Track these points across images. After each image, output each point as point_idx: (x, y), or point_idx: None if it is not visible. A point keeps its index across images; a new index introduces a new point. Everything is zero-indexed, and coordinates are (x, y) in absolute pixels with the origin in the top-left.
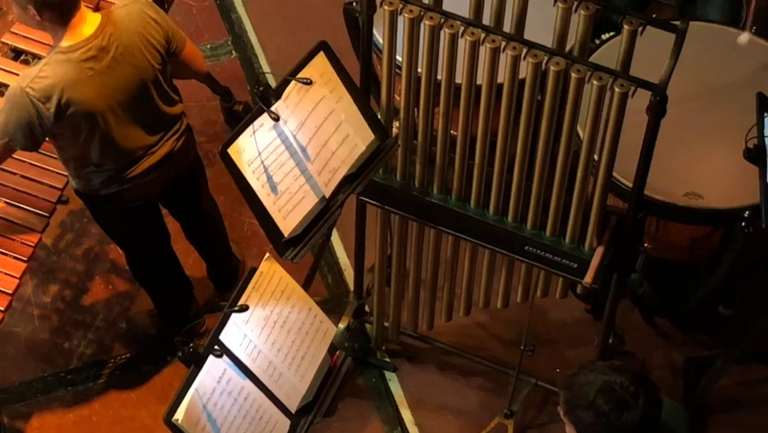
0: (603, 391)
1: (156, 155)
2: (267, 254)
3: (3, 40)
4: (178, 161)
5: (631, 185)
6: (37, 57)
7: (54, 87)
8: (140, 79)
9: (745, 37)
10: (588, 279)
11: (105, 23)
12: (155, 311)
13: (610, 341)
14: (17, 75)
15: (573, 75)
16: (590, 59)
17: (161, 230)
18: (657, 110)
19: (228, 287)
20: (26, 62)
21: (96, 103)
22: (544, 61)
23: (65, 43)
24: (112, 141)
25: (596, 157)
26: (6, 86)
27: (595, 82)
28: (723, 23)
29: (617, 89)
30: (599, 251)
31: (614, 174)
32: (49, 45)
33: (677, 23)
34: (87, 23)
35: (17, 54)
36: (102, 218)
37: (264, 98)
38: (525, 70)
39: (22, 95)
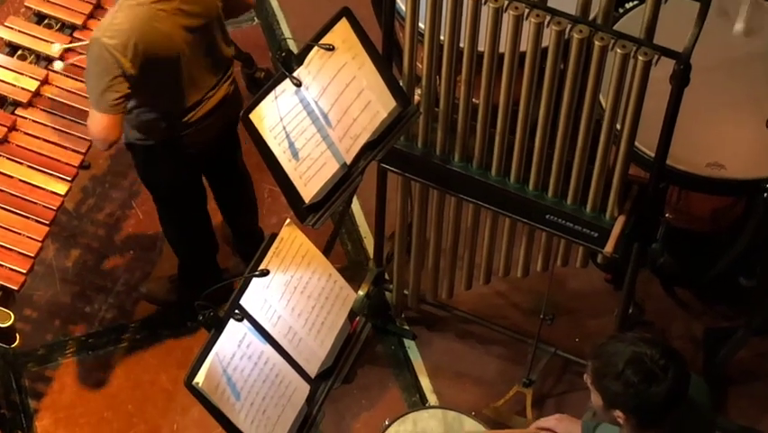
0: (632, 361)
1: (214, 98)
2: (288, 220)
3: (27, 4)
4: (230, 106)
5: (653, 154)
6: (60, 21)
7: (130, 32)
8: (207, 18)
9: None
10: (608, 248)
11: None
12: (175, 276)
13: (630, 311)
14: (41, 39)
15: (597, 43)
16: (616, 28)
17: (202, 187)
18: (681, 79)
19: (252, 254)
20: (49, 26)
21: (169, 44)
22: (568, 29)
23: None
24: (181, 82)
25: (618, 126)
26: (29, 50)
27: (618, 50)
28: None
29: (640, 58)
30: (620, 220)
31: (636, 143)
32: (70, 9)
33: None
34: None
35: (40, 18)
36: (153, 169)
37: (286, 64)
38: (548, 38)
39: (100, 46)
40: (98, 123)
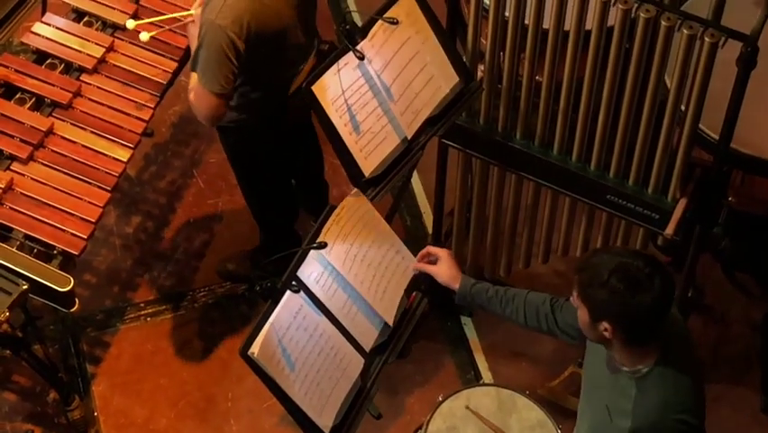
0: (618, 270)
1: (303, 72)
2: (354, 189)
3: (65, 0)
4: None
5: (717, 137)
6: (100, 18)
7: (243, 11)
8: None
9: None
10: (669, 230)
11: None
12: (253, 251)
13: (689, 294)
14: (107, 6)
15: (663, 23)
16: (683, 8)
17: (289, 157)
18: (747, 62)
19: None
20: (89, 24)
21: (278, 21)
22: (634, 8)
23: None
24: (282, 58)
25: (683, 107)
26: (96, 16)
27: (685, 31)
28: None
29: (707, 39)
30: (682, 203)
31: (700, 125)
32: (108, 5)
33: None
34: None
35: (80, 16)
36: (247, 149)
37: (350, 37)
38: (614, 17)
39: (215, 28)
40: (208, 101)
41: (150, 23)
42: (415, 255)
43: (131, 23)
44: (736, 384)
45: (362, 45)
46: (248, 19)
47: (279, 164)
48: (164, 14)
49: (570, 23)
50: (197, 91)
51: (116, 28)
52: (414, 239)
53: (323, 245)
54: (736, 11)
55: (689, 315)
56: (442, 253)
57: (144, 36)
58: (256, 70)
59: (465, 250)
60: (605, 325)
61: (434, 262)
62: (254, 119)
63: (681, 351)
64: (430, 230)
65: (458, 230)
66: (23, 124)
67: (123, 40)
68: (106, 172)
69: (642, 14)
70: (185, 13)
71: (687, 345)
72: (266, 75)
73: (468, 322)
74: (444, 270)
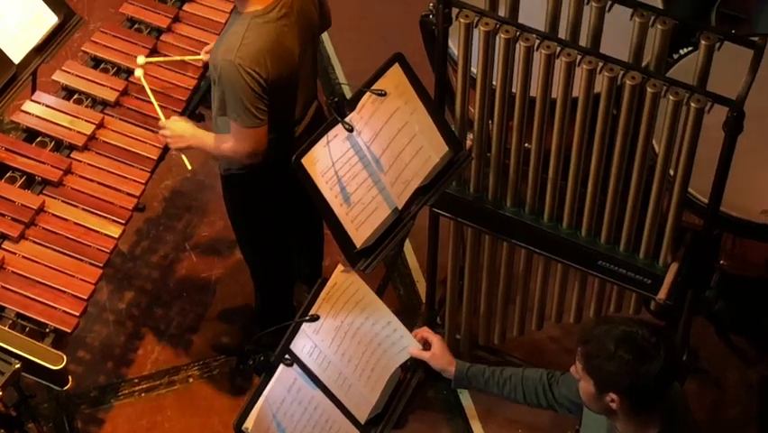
0: (624, 340)
1: (309, 114)
2: (340, 265)
3: (83, 48)
4: (322, 121)
5: (707, 201)
6: (116, 65)
7: (261, 50)
8: (313, 32)
9: None
10: (662, 295)
11: None
12: (247, 324)
13: (684, 358)
14: (97, 83)
15: (649, 89)
16: (669, 74)
17: (290, 214)
18: (734, 126)
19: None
20: (105, 71)
21: (291, 59)
22: (620, 76)
23: (258, 6)
24: (293, 98)
25: (671, 172)
26: (86, 94)
27: (671, 97)
28: None
29: (693, 105)
30: (674, 267)
31: (689, 190)
32: (126, 53)
33: (755, 38)
34: None
35: (97, 63)
36: (253, 197)
37: (339, 109)
38: (600, 84)
39: (236, 68)
40: (248, 138)
41: (158, 64)
42: (408, 327)
43: (141, 60)
44: None
45: (351, 117)
46: (266, 57)
47: (282, 215)
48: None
49: (557, 91)
50: (237, 134)
51: (106, 105)
52: (407, 308)
53: (315, 318)
54: (722, 75)
55: (685, 379)
56: (434, 338)
57: (139, 72)
58: (272, 111)
59: (459, 318)
60: (612, 396)
61: (427, 347)
62: (264, 163)
63: (683, 419)
64: (423, 299)
65: (451, 299)
66: (14, 202)
67: (113, 116)
68: (98, 249)
69: (628, 81)
70: (194, 57)
71: (687, 413)
72: (279, 116)
73: (464, 390)
74: (438, 356)
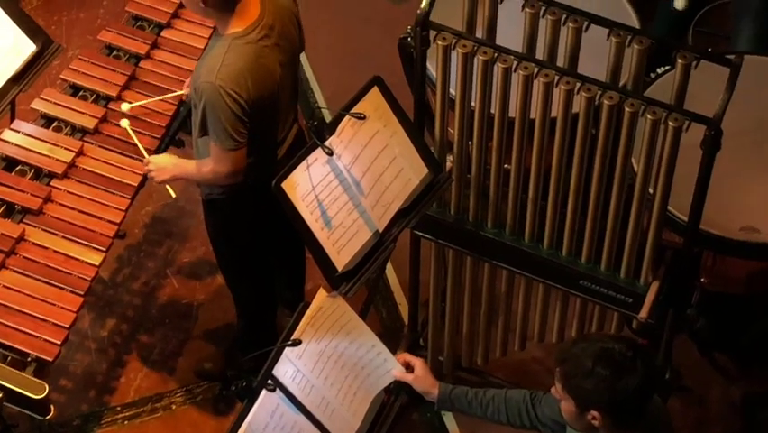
0: (601, 357)
1: (290, 136)
2: (321, 289)
3: (62, 76)
4: (303, 143)
5: (686, 219)
6: (95, 93)
7: (242, 70)
8: (294, 53)
9: None
10: (643, 314)
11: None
12: (229, 349)
13: (667, 376)
14: (76, 111)
15: (627, 109)
16: (646, 93)
17: (274, 237)
18: (712, 144)
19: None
20: (84, 98)
21: (271, 80)
22: (598, 96)
23: (238, 28)
24: (274, 120)
25: (650, 191)
26: (65, 122)
27: (649, 116)
28: None
29: (670, 123)
30: (655, 286)
31: (669, 208)
32: (105, 80)
33: (731, 56)
34: (251, 2)
35: (75, 90)
36: (236, 220)
37: (318, 133)
38: (578, 104)
39: (216, 89)
40: (227, 160)
41: (141, 107)
42: (391, 349)
43: (125, 106)
44: None
45: (331, 141)
46: (247, 78)
47: (264, 238)
48: (152, 98)
49: (535, 112)
50: (216, 156)
51: (85, 132)
52: (390, 331)
53: (297, 343)
54: (700, 94)
55: (668, 397)
56: (416, 361)
57: (125, 123)
58: (253, 132)
59: (441, 340)
60: (593, 413)
61: (409, 370)
62: (245, 184)
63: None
64: (406, 321)
65: (434, 320)
66: None
67: (92, 144)
68: (79, 277)
69: (605, 101)
70: (174, 94)
71: (669, 429)
72: (261, 137)
73: (447, 412)
74: (421, 379)
